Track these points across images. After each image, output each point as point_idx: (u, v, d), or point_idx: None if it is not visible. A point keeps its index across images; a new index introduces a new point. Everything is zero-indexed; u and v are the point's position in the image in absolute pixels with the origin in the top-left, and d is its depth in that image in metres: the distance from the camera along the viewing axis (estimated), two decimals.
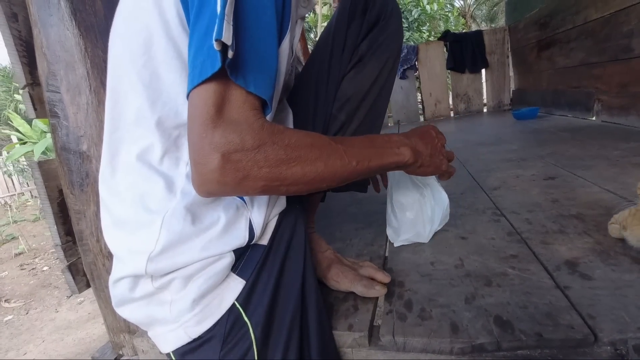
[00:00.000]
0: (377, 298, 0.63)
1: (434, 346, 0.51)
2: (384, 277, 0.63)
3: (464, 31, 4.47)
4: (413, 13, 6.16)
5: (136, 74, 0.46)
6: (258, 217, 0.50)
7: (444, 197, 0.83)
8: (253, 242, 0.50)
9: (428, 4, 6.27)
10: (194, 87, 0.39)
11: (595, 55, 2.10)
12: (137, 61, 0.46)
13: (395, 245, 0.83)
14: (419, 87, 4.11)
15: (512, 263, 0.68)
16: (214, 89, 0.38)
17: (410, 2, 6.31)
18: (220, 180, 0.40)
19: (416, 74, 3.98)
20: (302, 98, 0.67)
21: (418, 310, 0.58)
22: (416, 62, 3.88)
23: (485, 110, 4.01)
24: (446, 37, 3.82)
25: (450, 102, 4.03)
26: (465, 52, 3.75)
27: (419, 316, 0.56)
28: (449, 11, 7.17)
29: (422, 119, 4.13)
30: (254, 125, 0.40)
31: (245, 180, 0.41)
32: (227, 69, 0.37)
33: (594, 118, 2.18)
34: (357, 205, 1.17)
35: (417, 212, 0.80)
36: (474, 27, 11.41)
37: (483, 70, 3.87)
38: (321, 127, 0.66)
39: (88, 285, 0.72)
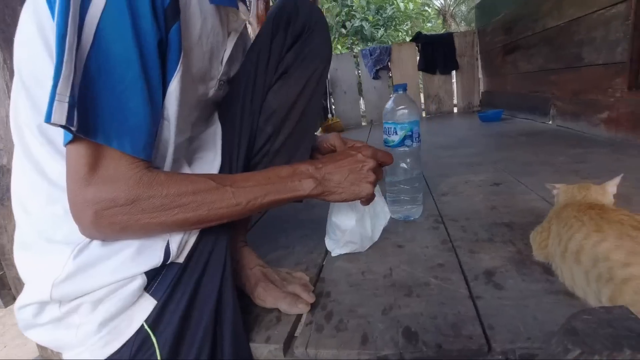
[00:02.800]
0: None
1: (342, 357, 0.53)
2: (309, 298, 0.64)
3: (435, 33, 4.53)
4: (387, 11, 6.20)
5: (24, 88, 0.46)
6: (177, 236, 0.50)
7: (386, 212, 0.86)
8: (169, 262, 0.51)
9: (402, 2, 6.34)
10: (67, 144, 0.40)
11: (552, 62, 2.18)
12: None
13: (333, 255, 0.84)
14: (391, 88, 4.15)
15: (437, 272, 0.71)
16: (84, 150, 0.40)
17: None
18: (98, 231, 0.43)
19: (389, 74, 4.03)
20: (229, 112, 0.67)
21: (336, 322, 0.60)
22: (389, 63, 3.92)
23: (455, 111, 4.10)
24: (418, 38, 3.88)
25: (422, 102, 4.10)
26: (436, 53, 3.81)
27: (336, 327, 0.58)
28: (424, 10, 7.27)
29: None
30: (130, 181, 0.42)
31: (125, 230, 0.44)
32: (82, 135, 0.38)
33: (550, 122, 2.26)
34: (308, 212, 1.18)
35: (356, 231, 0.81)
36: (453, 27, 11.57)
37: (454, 72, 3.95)
38: (247, 140, 0.66)
39: (14, 299, 0.71)
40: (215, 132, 0.66)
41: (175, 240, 0.50)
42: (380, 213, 0.85)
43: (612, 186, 0.69)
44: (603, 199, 0.67)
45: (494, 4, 3.19)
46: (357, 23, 6.81)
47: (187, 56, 0.50)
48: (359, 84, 4.24)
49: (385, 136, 0.99)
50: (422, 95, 4.10)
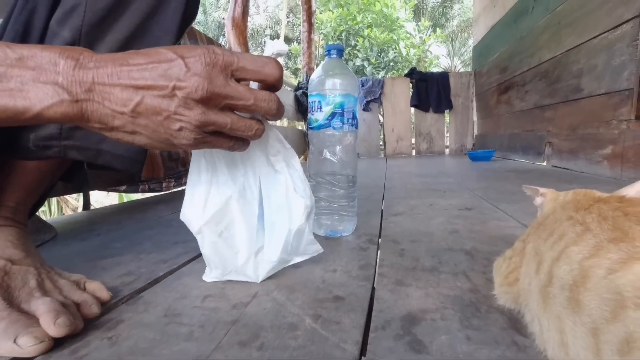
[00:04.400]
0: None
1: None
2: (52, 329, 0.32)
3: (430, 71, 4.45)
4: (390, 55, 6.24)
5: None
6: None
7: (298, 207, 0.47)
8: None
9: (405, 48, 6.40)
10: None
11: (548, 97, 1.98)
12: None
13: (206, 279, 0.49)
14: (382, 123, 3.98)
15: (325, 309, 0.40)
16: None
17: (387, 43, 6.43)
18: None
19: (380, 107, 3.86)
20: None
21: None
22: (381, 96, 3.77)
23: (447, 152, 3.89)
24: (412, 74, 3.75)
25: (413, 140, 3.89)
26: (430, 91, 3.67)
27: None
28: (426, 57, 7.35)
29: (382, 154, 3.96)
30: None
31: None
32: None
33: (544, 163, 2.01)
34: None
35: (207, 240, 0.45)
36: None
37: (447, 112, 3.79)
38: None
39: None
40: None
41: None
42: (287, 207, 0.47)
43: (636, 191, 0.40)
44: None
45: (490, 45, 3.08)
46: (358, 62, 6.84)
47: None
48: None
49: (309, 115, 0.71)
50: (413, 133, 3.90)
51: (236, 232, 0.46)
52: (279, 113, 0.37)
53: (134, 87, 0.31)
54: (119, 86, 0.31)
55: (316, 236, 0.71)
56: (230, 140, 0.37)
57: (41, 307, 0.35)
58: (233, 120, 0.35)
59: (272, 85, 0.36)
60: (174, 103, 0.32)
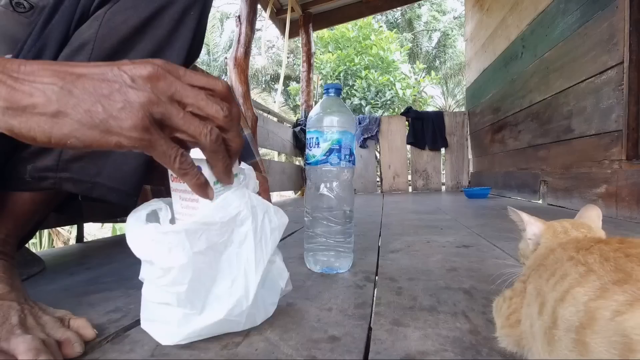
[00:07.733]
0: None
1: None
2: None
3: (426, 110, 4.58)
4: (386, 95, 6.46)
5: None
6: None
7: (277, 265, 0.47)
8: None
9: (401, 89, 6.64)
10: None
11: (540, 137, 2.02)
12: None
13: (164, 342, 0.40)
14: (378, 160, 4.03)
15: (320, 351, 0.39)
16: None
17: (384, 84, 6.67)
18: None
19: (377, 144, 3.92)
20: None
21: None
22: (378, 133, 3.85)
23: (443, 189, 3.91)
24: (408, 113, 3.86)
25: (409, 177, 3.93)
26: (426, 129, 3.76)
27: None
28: (421, 98, 7.61)
29: (379, 190, 3.97)
30: None
31: None
32: None
33: (540, 201, 2.02)
34: None
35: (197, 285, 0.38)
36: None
37: (443, 150, 3.85)
38: None
39: None
40: None
41: None
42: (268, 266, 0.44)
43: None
44: None
45: (482, 87, 3.19)
46: (356, 101, 7.05)
47: None
48: None
49: (307, 151, 0.72)
50: (409, 170, 3.95)
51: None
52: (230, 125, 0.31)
53: (71, 72, 0.27)
54: (53, 76, 0.26)
55: (312, 272, 0.70)
56: (178, 149, 0.30)
57: (21, 345, 0.33)
58: (185, 113, 0.29)
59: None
60: (119, 78, 0.27)
